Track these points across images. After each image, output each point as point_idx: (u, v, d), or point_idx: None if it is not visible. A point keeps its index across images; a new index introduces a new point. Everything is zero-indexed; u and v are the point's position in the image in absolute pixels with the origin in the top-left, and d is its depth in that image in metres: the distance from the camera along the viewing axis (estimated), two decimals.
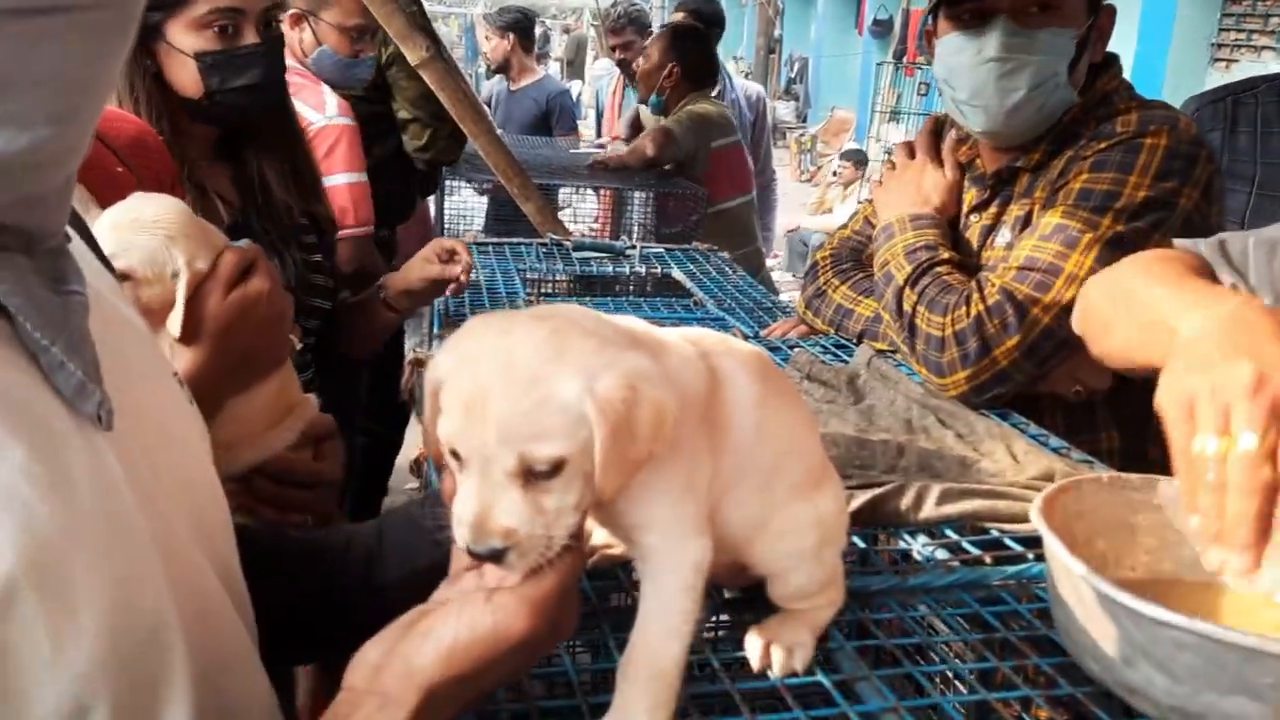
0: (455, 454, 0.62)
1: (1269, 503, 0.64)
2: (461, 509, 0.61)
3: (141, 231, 0.99)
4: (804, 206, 8.51)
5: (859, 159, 8.20)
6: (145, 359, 0.66)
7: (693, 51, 3.55)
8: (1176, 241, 1.08)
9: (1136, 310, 0.92)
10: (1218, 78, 8.81)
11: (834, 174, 8.58)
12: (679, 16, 4.14)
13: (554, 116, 4.82)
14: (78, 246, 0.63)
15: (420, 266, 1.69)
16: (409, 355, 1.51)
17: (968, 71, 1.42)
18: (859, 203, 7.55)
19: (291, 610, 0.77)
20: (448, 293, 1.72)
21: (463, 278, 1.70)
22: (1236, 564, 0.67)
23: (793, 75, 14.82)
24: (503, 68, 4.84)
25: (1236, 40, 8.65)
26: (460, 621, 0.60)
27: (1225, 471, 0.66)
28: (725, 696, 0.73)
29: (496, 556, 0.60)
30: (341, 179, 2.33)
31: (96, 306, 0.55)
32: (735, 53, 16.40)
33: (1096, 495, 0.85)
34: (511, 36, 4.77)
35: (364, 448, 2.44)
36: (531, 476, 0.60)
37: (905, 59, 9.09)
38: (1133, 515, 0.87)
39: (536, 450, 0.59)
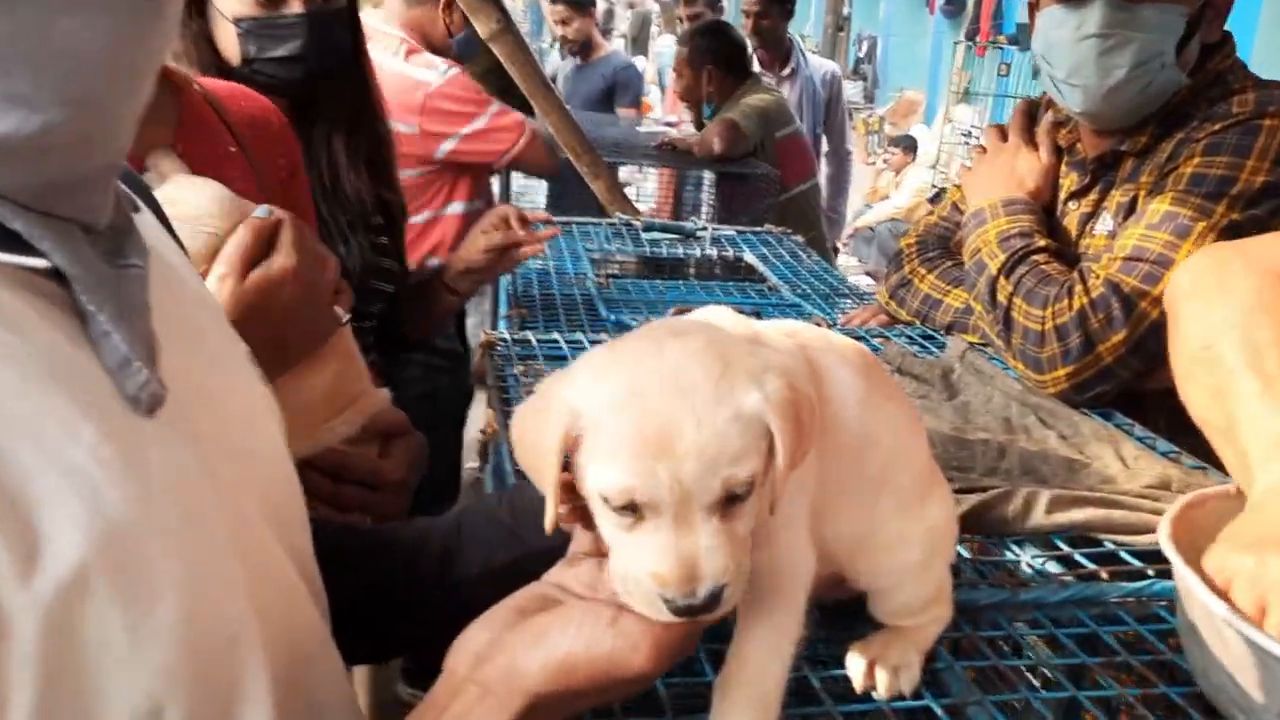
0: (628, 506, 0.54)
1: None
2: (661, 564, 0.53)
3: (183, 226, 0.84)
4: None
5: (908, 144, 8.00)
6: (219, 339, 0.63)
7: (720, 46, 3.47)
8: (1221, 250, 0.97)
9: (1220, 392, 0.83)
10: None
11: (884, 160, 8.38)
12: (748, 1, 4.03)
13: (618, 90, 4.76)
14: (148, 221, 0.59)
15: (480, 239, 1.60)
16: (478, 338, 1.48)
17: (1067, 48, 1.34)
18: (912, 191, 7.35)
19: (351, 606, 0.74)
20: (519, 257, 1.62)
21: (532, 245, 1.60)
22: None
23: (861, 55, 14.53)
24: (583, 46, 4.76)
25: None
26: (579, 636, 0.55)
27: None
28: (827, 719, 0.68)
29: (712, 604, 0.53)
30: (483, 119, 2.41)
31: (164, 282, 0.51)
32: (803, 30, 16.15)
33: (1223, 509, 0.79)
34: (592, 11, 4.71)
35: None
36: (728, 504, 0.54)
37: (978, 39, 8.85)
38: None
39: (740, 473, 0.53)
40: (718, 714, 0.61)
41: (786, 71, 4.12)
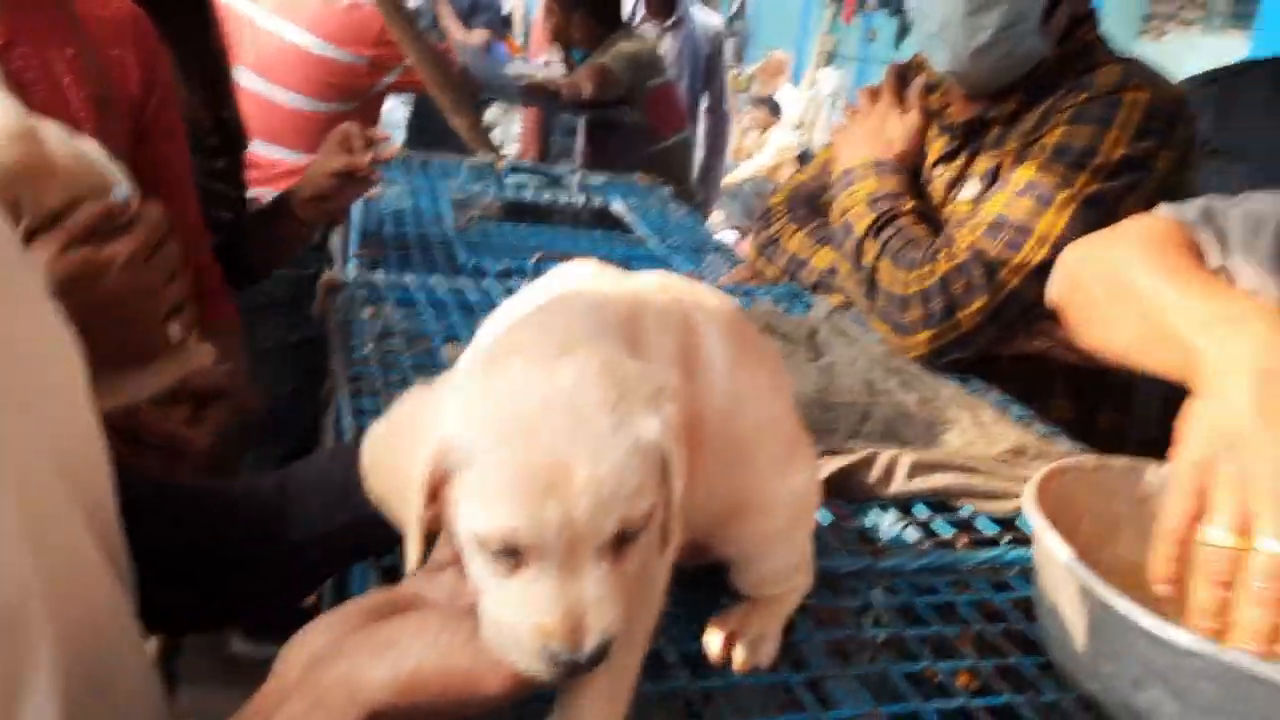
0: (510, 550, 0.47)
1: None
2: (545, 616, 0.46)
3: None
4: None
5: (772, 106, 8.09)
6: (17, 282, 0.53)
7: None
8: (1163, 207, 1.00)
9: (1142, 309, 0.82)
10: (1147, 46, 8.94)
11: (750, 119, 8.45)
12: None
13: (476, 11, 4.61)
14: None
15: (325, 161, 1.47)
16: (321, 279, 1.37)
17: (937, 6, 1.33)
18: (776, 150, 7.44)
19: (170, 567, 0.66)
20: (369, 180, 1.50)
21: (371, 170, 1.49)
22: None
23: (733, 11, 14.57)
24: None
25: (1166, 12, 8.76)
26: (433, 648, 0.49)
27: (1238, 575, 0.57)
28: (684, 694, 0.65)
29: (598, 658, 0.47)
30: None
31: None
32: None
33: (1079, 481, 0.79)
34: None
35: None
36: (619, 544, 0.48)
37: (845, 3, 8.98)
38: (1113, 503, 0.81)
39: (637, 510, 0.47)
40: (568, 689, 0.56)
41: (670, 22, 4.06)
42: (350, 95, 2.36)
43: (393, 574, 0.73)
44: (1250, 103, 2.24)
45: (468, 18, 4.62)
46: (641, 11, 4.13)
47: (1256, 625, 0.57)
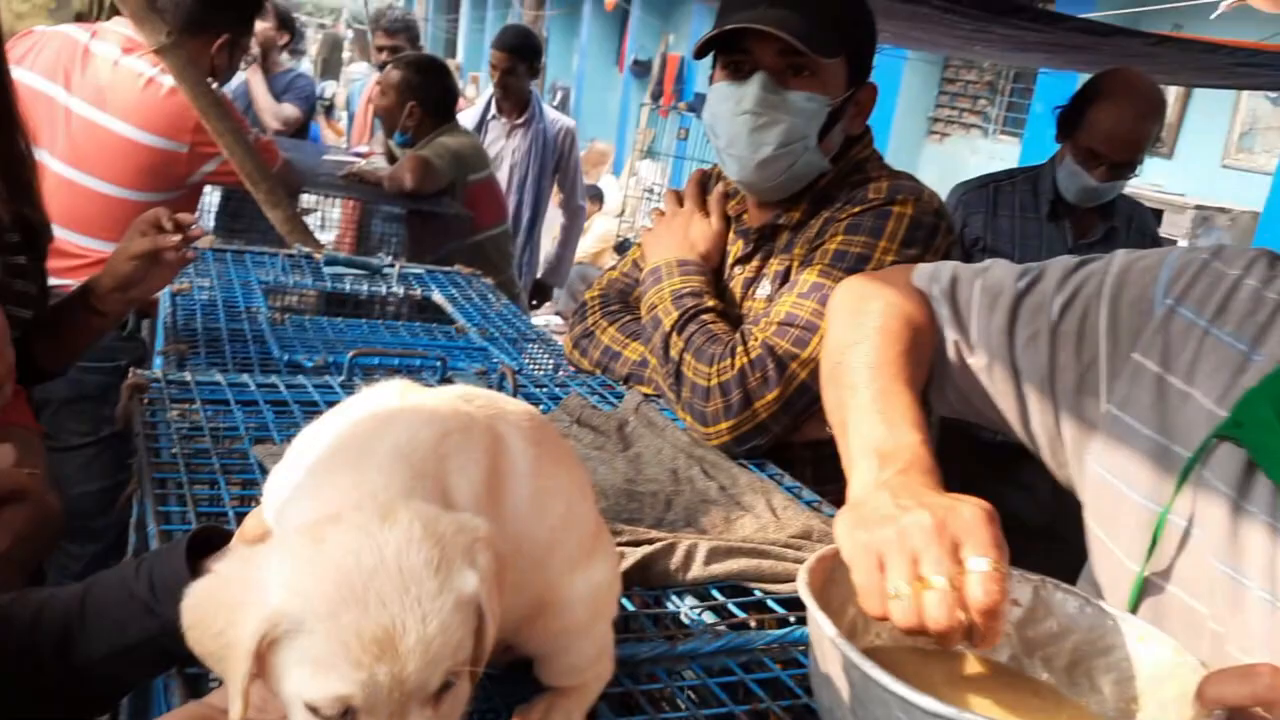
0: (341, 712, 0.50)
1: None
2: None
3: None
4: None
5: (594, 194, 8.38)
6: None
7: (431, 87, 3.47)
8: (918, 271, 1.10)
9: (841, 402, 0.97)
10: (933, 147, 9.78)
11: None
12: (499, 55, 4.11)
13: (287, 93, 4.67)
14: None
15: (128, 245, 1.43)
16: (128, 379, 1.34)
17: (727, 120, 1.46)
18: (598, 238, 7.67)
19: None
20: (173, 265, 1.47)
21: (182, 251, 1.46)
22: None
23: (555, 104, 14.99)
24: (264, 52, 4.59)
25: (950, 116, 9.64)
26: None
27: (924, 612, 0.69)
28: None
29: None
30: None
31: None
32: None
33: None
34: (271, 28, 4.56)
35: None
36: (441, 691, 0.52)
37: (662, 101, 9.42)
38: None
39: (460, 658, 0.51)
40: None
41: (520, 120, 4.21)
42: (169, 184, 2.32)
43: (196, 683, 0.73)
44: (1012, 205, 2.54)
45: (280, 96, 4.67)
46: (495, 109, 4.28)
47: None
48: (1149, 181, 7.76)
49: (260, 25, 4.94)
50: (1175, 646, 0.77)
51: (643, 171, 8.60)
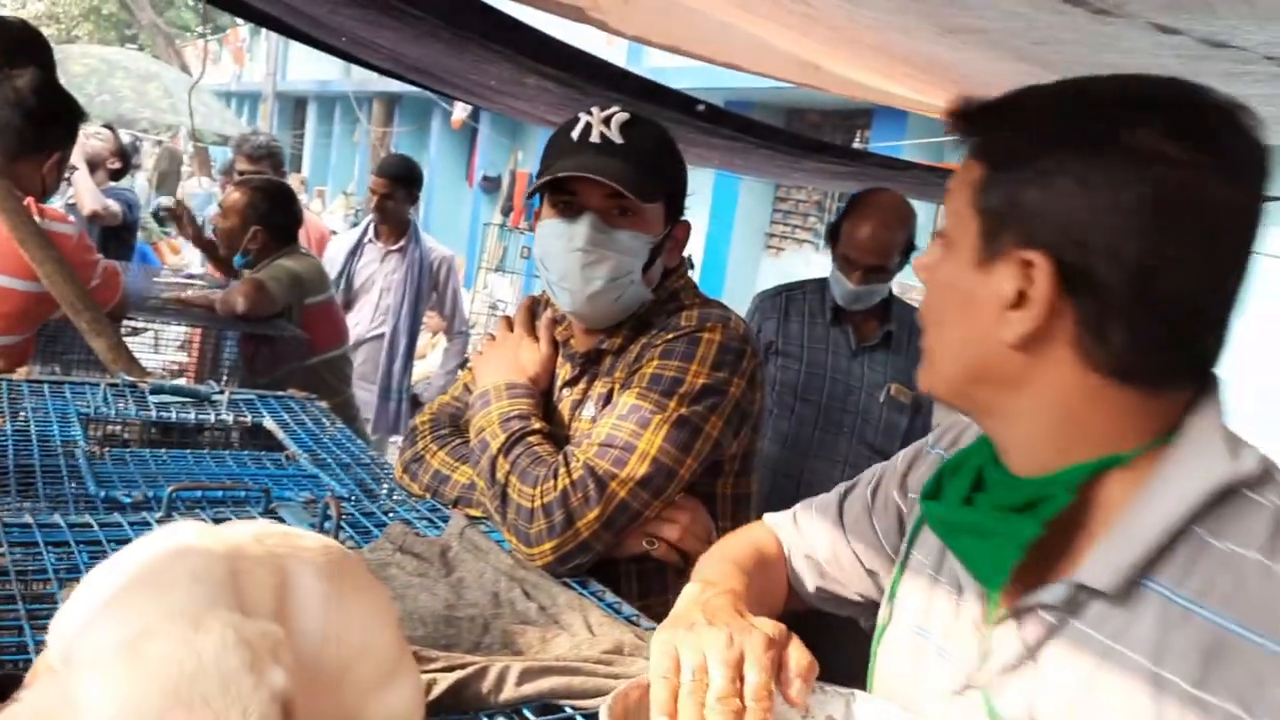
0: None
1: None
2: None
3: None
4: None
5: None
6: None
7: (276, 212, 3.51)
8: (769, 517, 1.28)
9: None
10: (770, 261, 10.30)
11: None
12: (381, 181, 4.19)
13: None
14: None
15: None
16: None
17: (559, 256, 1.56)
18: (444, 351, 7.70)
19: None
20: None
21: None
22: None
23: (418, 226, 15.05)
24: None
25: (784, 232, 10.20)
26: None
27: (705, 699, 0.80)
28: None
29: None
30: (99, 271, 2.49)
31: None
32: (345, 189, 16.33)
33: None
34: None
35: None
36: None
37: (511, 216, 9.61)
38: None
39: None
40: None
41: (396, 245, 4.26)
42: (22, 326, 2.28)
43: None
44: (802, 311, 2.78)
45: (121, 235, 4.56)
46: (372, 232, 4.32)
47: None
48: None
49: (96, 144, 4.86)
50: None
51: (493, 286, 8.70)
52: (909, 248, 2.74)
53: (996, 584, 0.86)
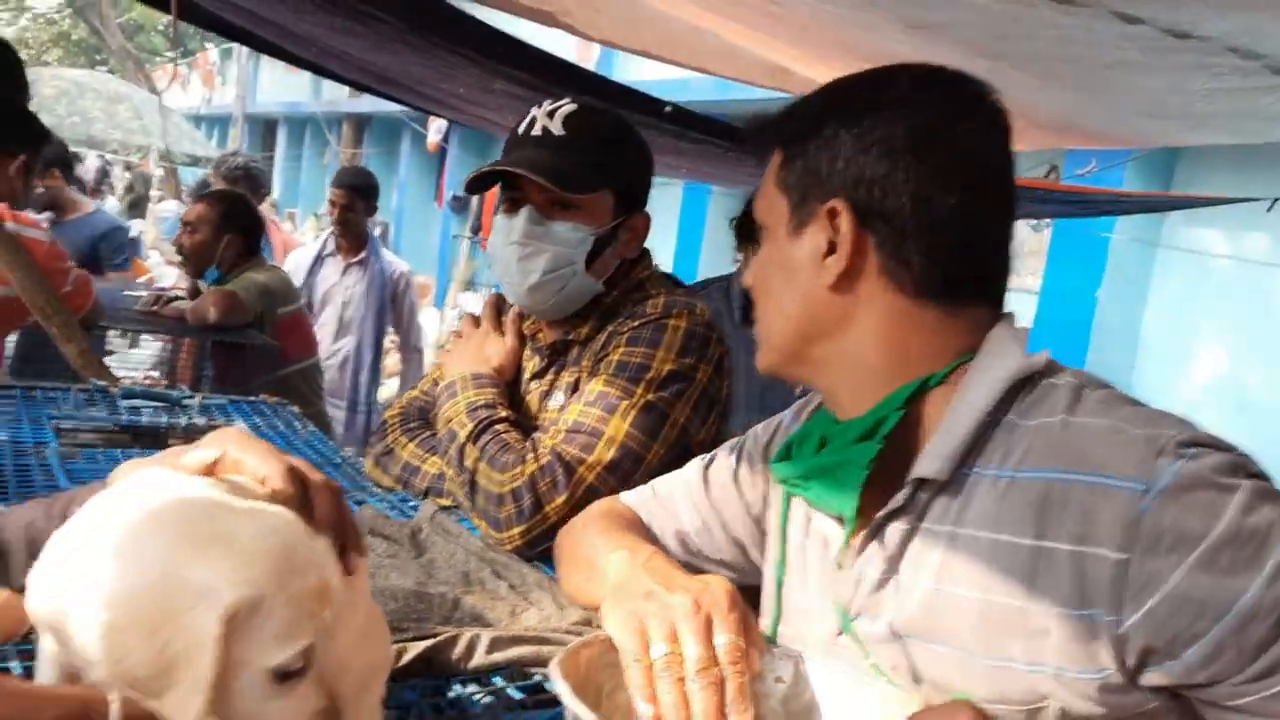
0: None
1: (720, 695, 0.79)
2: None
3: None
4: None
5: None
6: None
7: (245, 218, 3.53)
8: (621, 497, 1.32)
9: (580, 556, 1.18)
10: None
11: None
12: (339, 192, 4.19)
13: (103, 252, 4.48)
14: None
15: None
16: None
17: (499, 250, 1.59)
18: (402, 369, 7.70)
19: None
20: None
21: None
22: None
23: (376, 239, 15.01)
24: (52, 204, 4.41)
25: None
26: None
27: (683, 673, 0.80)
28: None
29: None
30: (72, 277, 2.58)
31: None
32: (316, 210, 16.28)
33: (606, 650, 0.91)
34: (56, 171, 4.40)
35: None
36: None
37: (481, 234, 9.63)
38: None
39: None
40: None
41: (356, 259, 4.25)
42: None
43: None
44: (714, 311, 2.71)
45: (96, 245, 4.49)
46: (332, 245, 4.31)
47: (708, 709, 0.78)
48: None
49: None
50: (904, 698, 0.86)
51: (464, 303, 8.71)
52: None
53: (851, 506, 0.93)
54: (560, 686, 0.77)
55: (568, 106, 1.58)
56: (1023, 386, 0.90)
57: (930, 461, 0.90)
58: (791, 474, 1.02)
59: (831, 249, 0.94)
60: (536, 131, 1.56)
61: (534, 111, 1.58)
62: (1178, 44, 1.72)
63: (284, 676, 0.63)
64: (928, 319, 0.94)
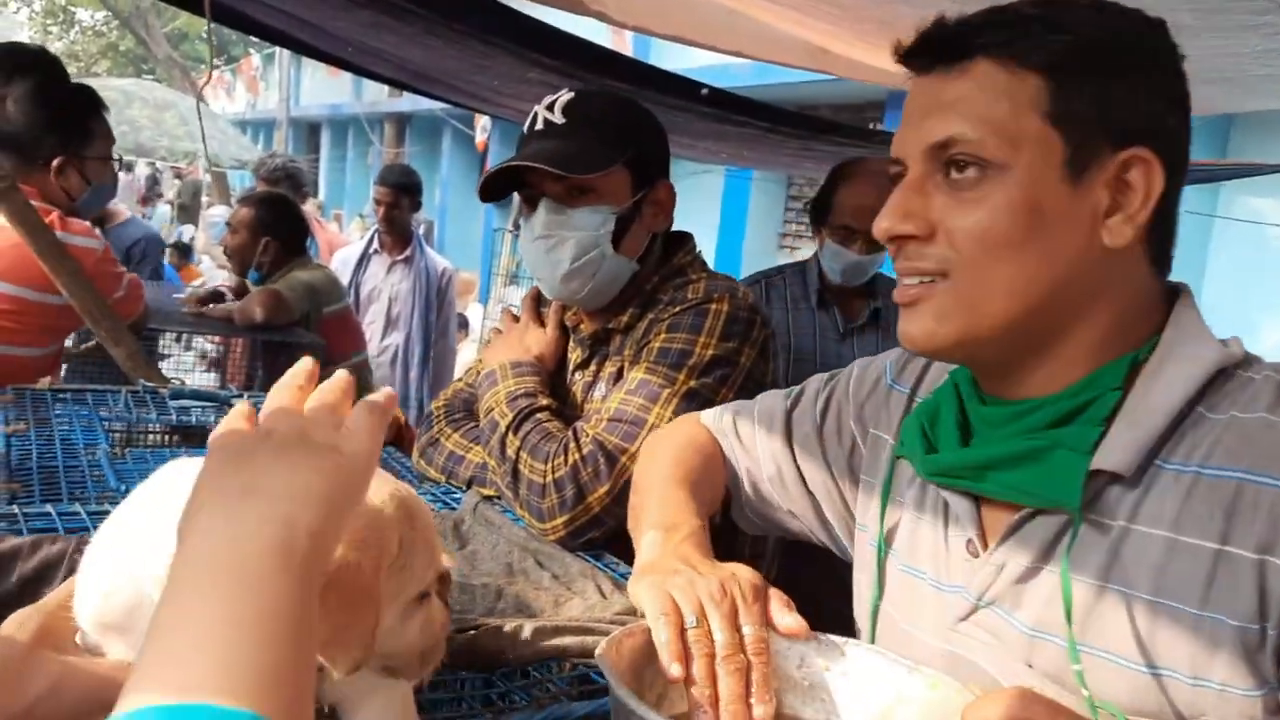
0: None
1: (746, 682, 0.78)
2: None
3: None
4: None
5: (460, 322, 8.48)
6: None
7: (283, 221, 3.55)
8: (704, 415, 1.29)
9: (643, 484, 1.16)
10: (785, 260, 10.29)
11: None
12: (383, 190, 4.22)
13: (134, 263, 4.49)
14: None
15: None
16: None
17: (527, 248, 1.58)
18: (462, 365, 7.74)
19: None
20: (6, 427, 1.48)
21: None
22: None
23: (421, 236, 15.15)
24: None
25: (798, 230, 10.19)
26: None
27: (712, 650, 0.79)
28: None
29: None
30: (124, 283, 2.52)
31: None
32: (361, 210, 16.46)
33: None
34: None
35: None
36: None
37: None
38: None
39: None
40: None
41: (401, 256, 4.29)
42: (44, 339, 2.31)
43: None
44: (784, 298, 2.69)
45: (130, 251, 4.53)
46: (377, 243, 4.35)
47: (734, 690, 0.77)
48: None
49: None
50: (958, 687, 0.83)
51: (509, 297, 8.74)
52: None
53: (1074, 497, 0.82)
54: (608, 673, 0.75)
55: (566, 95, 1.56)
56: (1217, 377, 0.82)
57: (1116, 454, 0.81)
58: (960, 464, 0.90)
59: (1115, 205, 0.82)
60: (539, 126, 1.55)
61: (536, 108, 1.57)
62: (1229, 4, 1.66)
63: (421, 596, 0.76)
64: (1151, 291, 0.86)
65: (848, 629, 0.94)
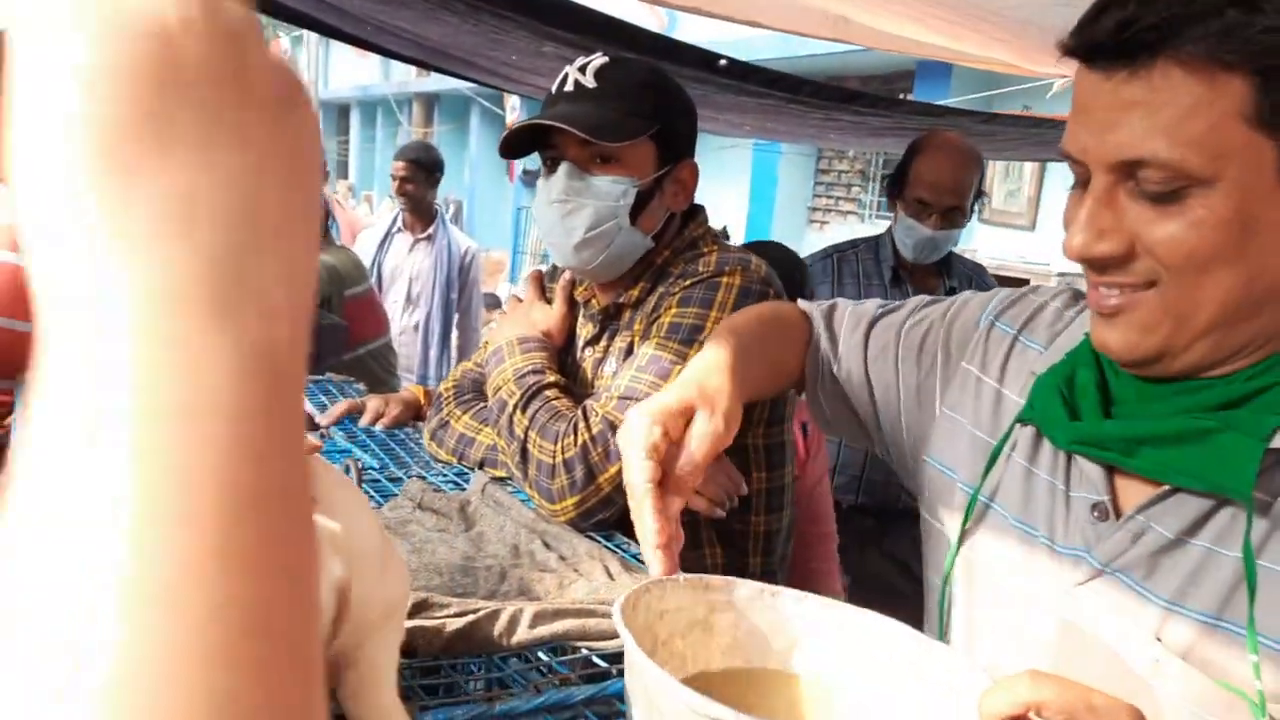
0: None
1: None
2: None
3: None
4: None
5: (491, 302, 8.48)
6: None
7: None
8: (801, 303, 1.29)
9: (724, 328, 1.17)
10: (814, 235, 10.19)
11: None
12: (399, 165, 4.21)
13: None
14: None
15: None
16: None
17: (542, 211, 1.54)
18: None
19: None
20: None
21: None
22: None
23: (449, 216, 15.19)
24: None
25: (828, 205, 10.08)
26: None
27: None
28: None
29: None
30: None
31: None
32: (391, 191, 16.50)
33: (677, 596, 0.89)
34: None
35: None
36: None
37: None
38: (710, 614, 0.92)
39: None
40: None
41: (424, 234, 4.28)
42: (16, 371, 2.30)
43: None
44: (855, 273, 2.66)
45: None
46: (400, 222, 4.35)
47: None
48: (1014, 252, 8.19)
49: None
50: (980, 671, 0.80)
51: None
52: (979, 194, 2.59)
53: (1246, 485, 0.79)
54: (623, 631, 0.73)
55: (600, 59, 1.52)
56: None
57: None
58: (1107, 438, 0.88)
59: None
60: (569, 87, 1.51)
61: (567, 69, 1.53)
62: None
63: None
64: None
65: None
